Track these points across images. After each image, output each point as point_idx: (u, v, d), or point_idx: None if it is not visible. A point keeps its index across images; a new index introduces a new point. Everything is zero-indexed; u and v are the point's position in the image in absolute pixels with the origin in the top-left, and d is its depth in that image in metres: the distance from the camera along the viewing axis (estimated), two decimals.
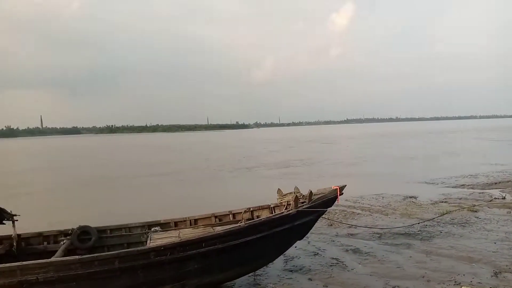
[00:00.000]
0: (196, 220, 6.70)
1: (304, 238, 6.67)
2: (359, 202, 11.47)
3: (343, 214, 9.99)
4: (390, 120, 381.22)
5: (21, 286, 4.39)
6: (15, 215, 6.10)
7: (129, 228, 6.53)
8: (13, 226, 6.05)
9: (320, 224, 8.47)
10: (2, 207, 5.95)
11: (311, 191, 5.99)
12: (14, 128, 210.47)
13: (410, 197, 12.09)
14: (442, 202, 11.22)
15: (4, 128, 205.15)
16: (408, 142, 44.62)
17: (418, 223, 8.51)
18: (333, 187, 6.19)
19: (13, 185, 19.73)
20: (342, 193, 6.18)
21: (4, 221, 6.04)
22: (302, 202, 5.93)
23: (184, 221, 6.70)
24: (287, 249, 6.27)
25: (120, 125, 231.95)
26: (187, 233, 5.86)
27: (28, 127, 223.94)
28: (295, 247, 7.06)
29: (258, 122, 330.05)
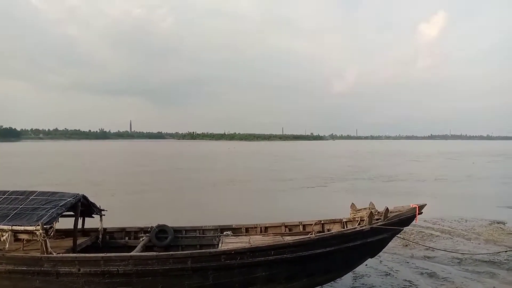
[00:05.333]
0: (266, 228, 6.77)
1: (376, 256, 6.44)
2: (439, 224, 10.78)
3: (420, 235, 9.45)
4: (480, 137, 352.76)
5: (104, 275, 4.78)
6: (103, 210, 6.65)
7: (202, 230, 6.80)
8: (101, 220, 6.60)
9: (394, 243, 8.11)
10: (93, 202, 6.51)
11: (387, 208, 5.76)
12: (107, 131, 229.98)
13: (498, 223, 11.10)
14: None
15: (98, 131, 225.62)
16: (501, 163, 40.88)
17: (505, 251, 7.79)
18: (412, 205, 5.90)
19: (100, 182, 21.50)
20: (421, 213, 5.86)
21: (93, 215, 6.61)
22: (377, 219, 5.73)
23: (255, 227, 6.81)
24: (357, 266, 6.08)
25: (201, 132, 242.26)
26: (257, 240, 5.95)
27: (118, 131, 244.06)
28: (366, 265, 6.83)
29: (333, 134, 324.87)
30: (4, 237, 4.97)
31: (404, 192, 17.72)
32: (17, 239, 5.23)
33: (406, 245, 8.49)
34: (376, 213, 5.91)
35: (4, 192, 5.81)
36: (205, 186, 20.32)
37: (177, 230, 6.76)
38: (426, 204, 5.95)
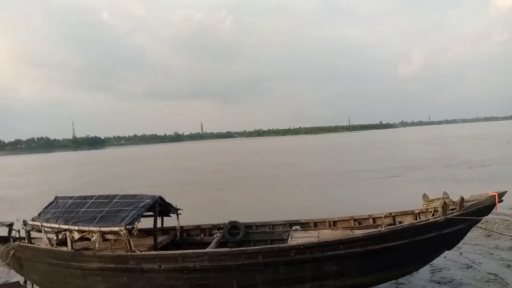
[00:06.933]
0: (335, 222, 6.75)
1: (455, 248, 6.15)
2: None
3: (505, 224, 8.79)
4: None
5: (182, 271, 5.11)
6: (179, 209, 7.07)
7: (272, 225, 6.95)
8: (177, 218, 7.03)
9: (475, 234, 7.68)
10: (169, 202, 6.95)
11: (462, 197, 5.48)
12: (180, 134, 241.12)
13: None
14: None
15: (173, 134, 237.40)
16: None
17: None
18: (490, 193, 5.55)
19: (180, 182, 22.62)
20: (502, 200, 5.49)
21: (170, 214, 7.05)
22: (452, 209, 5.48)
23: (323, 222, 6.81)
24: (433, 258, 5.85)
25: (267, 129, 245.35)
26: (326, 234, 5.96)
27: (191, 133, 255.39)
28: (444, 257, 6.56)
29: (404, 121, 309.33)
30: (94, 238, 5.52)
31: (488, 179, 16.50)
32: (105, 239, 5.76)
33: (489, 235, 7.96)
34: (451, 203, 5.64)
35: (92, 197, 6.42)
36: (276, 181, 20.55)
37: (248, 226, 6.98)
38: (507, 191, 5.56)
